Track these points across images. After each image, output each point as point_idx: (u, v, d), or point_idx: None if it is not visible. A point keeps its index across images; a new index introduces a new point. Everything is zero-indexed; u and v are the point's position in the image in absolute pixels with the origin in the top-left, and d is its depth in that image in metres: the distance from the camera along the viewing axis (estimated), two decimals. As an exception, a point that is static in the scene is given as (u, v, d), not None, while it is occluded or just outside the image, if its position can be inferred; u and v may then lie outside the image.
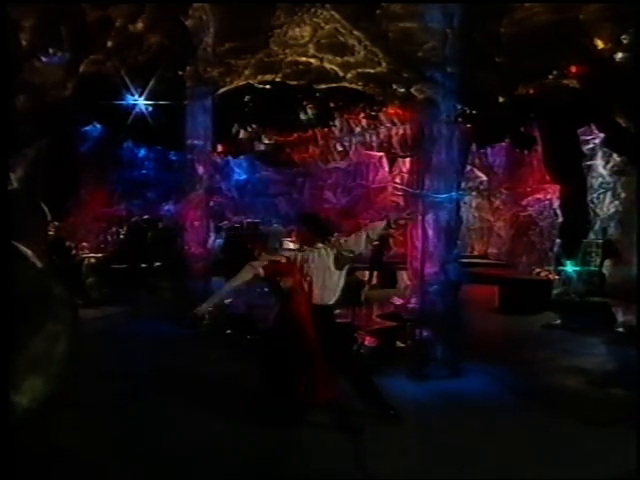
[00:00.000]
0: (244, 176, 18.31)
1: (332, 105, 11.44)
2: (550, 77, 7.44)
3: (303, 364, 4.42)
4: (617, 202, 10.30)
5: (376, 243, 13.59)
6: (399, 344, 6.40)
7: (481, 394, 5.39)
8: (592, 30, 6.50)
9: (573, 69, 7.31)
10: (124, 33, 8.07)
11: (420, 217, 6.09)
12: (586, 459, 3.99)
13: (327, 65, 7.36)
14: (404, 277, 8.82)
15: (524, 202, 14.36)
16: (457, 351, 5.98)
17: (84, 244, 11.35)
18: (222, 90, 8.46)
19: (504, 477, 3.77)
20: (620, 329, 7.78)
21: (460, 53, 6.02)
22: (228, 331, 7.61)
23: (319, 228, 4.78)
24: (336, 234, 5.16)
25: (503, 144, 13.59)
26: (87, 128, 12.48)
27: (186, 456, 3.95)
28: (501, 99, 8.25)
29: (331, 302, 4.59)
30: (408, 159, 11.56)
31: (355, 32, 6.72)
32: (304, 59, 7.46)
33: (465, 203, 15.33)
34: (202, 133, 8.50)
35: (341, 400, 4.55)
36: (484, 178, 16.13)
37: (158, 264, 11.48)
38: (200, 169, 8.53)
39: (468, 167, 13.92)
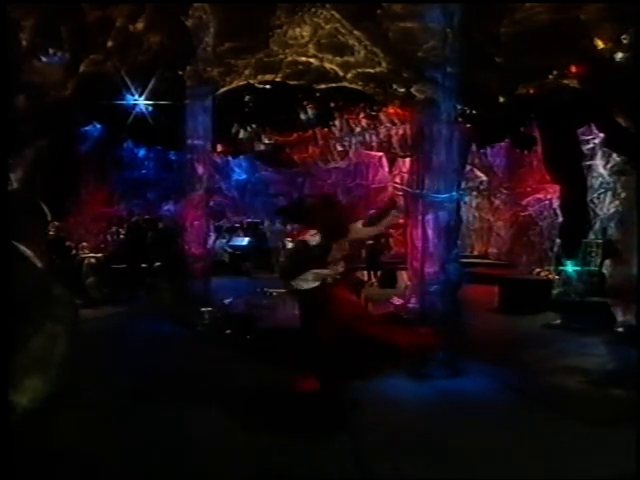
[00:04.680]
0: (244, 176, 18.33)
1: (332, 105, 11.44)
2: (550, 77, 7.45)
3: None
4: (617, 202, 10.31)
5: (370, 242, 13.59)
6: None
7: (481, 394, 5.39)
8: (592, 30, 6.51)
9: (573, 69, 7.32)
10: (124, 33, 8.08)
11: (420, 217, 6.09)
12: (586, 459, 3.98)
13: (327, 65, 7.37)
14: (404, 277, 8.83)
15: (524, 202, 14.37)
16: (457, 351, 5.97)
17: (84, 244, 11.34)
18: (222, 90, 8.46)
19: (504, 477, 3.76)
20: (620, 329, 7.78)
21: (460, 53, 6.02)
22: (228, 331, 7.61)
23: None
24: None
25: (503, 144, 13.59)
26: (87, 128, 12.48)
27: (185, 456, 3.95)
28: (501, 99, 8.26)
29: None
30: (408, 159, 11.56)
31: (355, 32, 6.72)
32: (304, 59, 7.46)
33: (465, 203, 15.35)
34: (202, 133, 8.50)
35: None
36: (484, 178, 16.14)
37: (158, 264, 11.49)
38: (200, 169, 8.53)
39: (468, 167, 13.95)
